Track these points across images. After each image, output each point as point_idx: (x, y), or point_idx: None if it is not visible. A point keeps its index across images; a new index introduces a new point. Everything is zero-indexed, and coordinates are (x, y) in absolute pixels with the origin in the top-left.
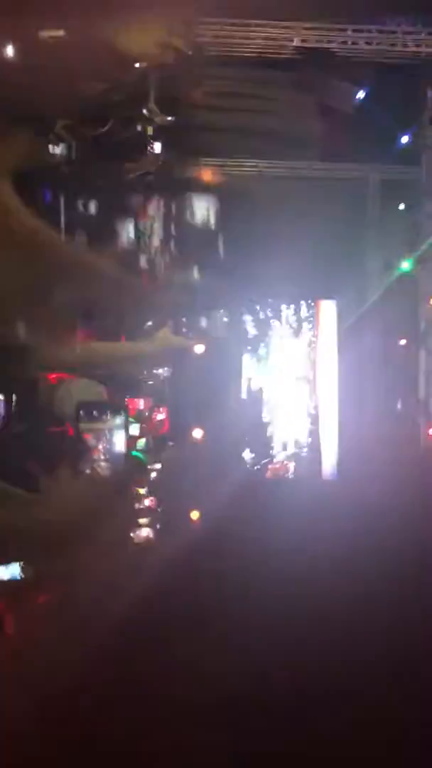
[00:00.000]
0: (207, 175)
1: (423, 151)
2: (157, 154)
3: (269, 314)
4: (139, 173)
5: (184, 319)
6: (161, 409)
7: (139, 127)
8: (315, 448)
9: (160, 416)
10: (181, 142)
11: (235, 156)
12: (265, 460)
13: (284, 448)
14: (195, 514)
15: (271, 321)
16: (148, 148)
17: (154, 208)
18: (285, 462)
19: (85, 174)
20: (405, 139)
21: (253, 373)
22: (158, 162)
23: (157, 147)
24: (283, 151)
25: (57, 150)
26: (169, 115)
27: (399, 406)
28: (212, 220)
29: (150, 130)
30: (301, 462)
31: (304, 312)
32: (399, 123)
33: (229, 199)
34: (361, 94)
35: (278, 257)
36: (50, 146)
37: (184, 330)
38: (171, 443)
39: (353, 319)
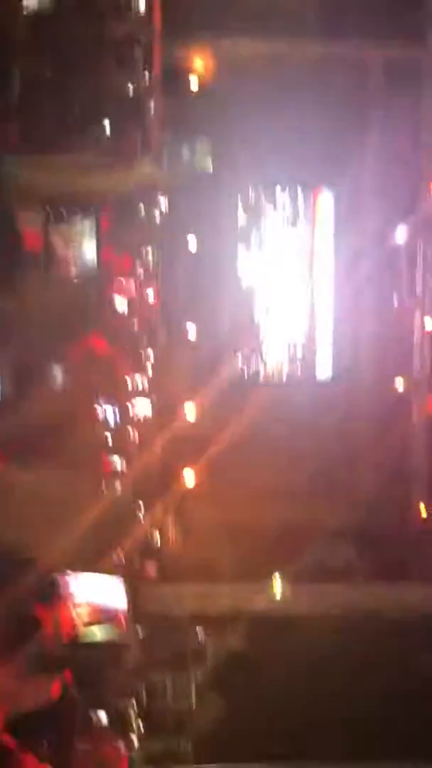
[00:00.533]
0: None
1: (429, 25)
2: (143, 16)
3: (264, 201)
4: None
5: (164, 150)
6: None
7: None
8: (310, 348)
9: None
10: (171, 17)
11: (229, 34)
12: (259, 365)
13: (278, 350)
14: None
15: (267, 209)
16: (132, 4)
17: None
18: (279, 366)
19: (60, 29)
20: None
21: (247, 267)
22: (143, 22)
23: (141, 5)
24: (280, 28)
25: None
26: None
27: (395, 302)
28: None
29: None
30: (296, 364)
31: (300, 200)
32: None
33: (223, 80)
34: None
35: (274, 141)
36: None
37: (165, 161)
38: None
39: (351, 210)
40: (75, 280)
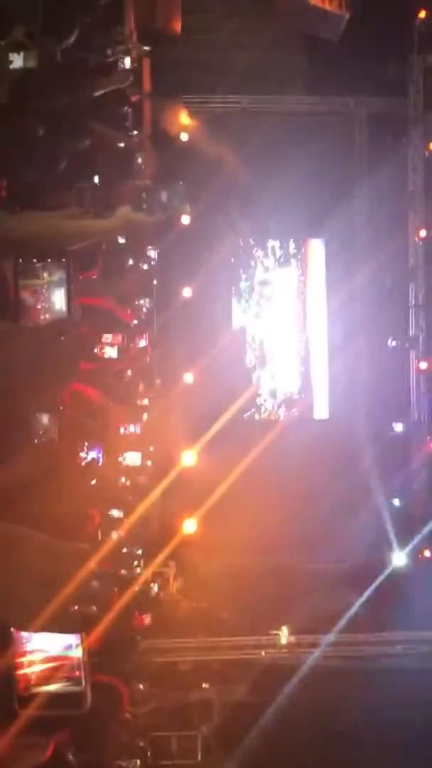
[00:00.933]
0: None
1: (410, 81)
2: (128, 70)
3: (257, 254)
4: (108, 89)
5: (143, 195)
6: (143, 336)
7: (110, 53)
8: (306, 389)
9: (143, 343)
10: (161, 77)
11: (217, 92)
12: (255, 407)
13: (274, 394)
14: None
15: (260, 261)
16: (119, 63)
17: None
18: (275, 407)
19: (48, 88)
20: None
21: (242, 315)
22: (128, 78)
23: (127, 62)
24: (267, 86)
25: (17, 59)
26: (147, 46)
27: (391, 342)
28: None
29: (127, 61)
30: (293, 404)
31: (292, 251)
32: (386, 53)
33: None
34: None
35: (264, 194)
36: (9, 54)
37: (144, 206)
38: (158, 381)
39: (342, 257)
40: (46, 330)
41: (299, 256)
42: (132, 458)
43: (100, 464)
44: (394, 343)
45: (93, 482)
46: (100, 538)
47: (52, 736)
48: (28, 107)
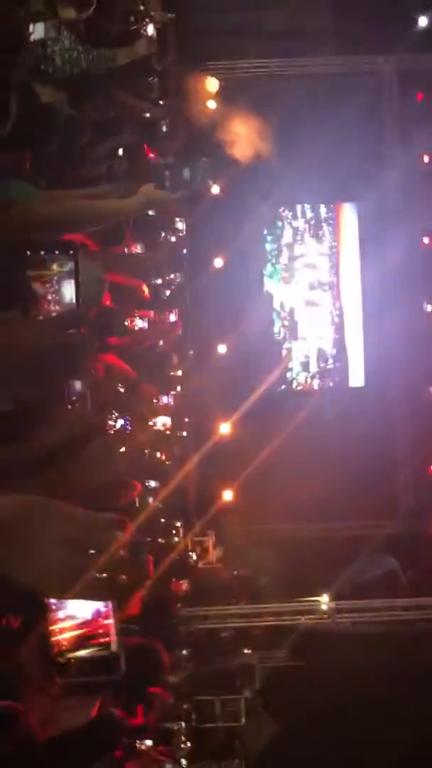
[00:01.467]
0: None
1: None
2: (151, 38)
3: (289, 221)
4: (131, 59)
5: (166, 172)
6: (171, 312)
7: (133, 21)
8: (341, 357)
9: (172, 317)
10: (186, 45)
11: (244, 57)
12: (287, 379)
13: (306, 366)
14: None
15: (288, 222)
16: (141, 31)
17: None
18: (309, 379)
19: (70, 59)
20: (423, 21)
21: (272, 284)
22: (152, 47)
23: (150, 29)
24: (293, 48)
25: (38, 30)
26: (170, 12)
27: (427, 306)
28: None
29: (149, 29)
30: (327, 373)
31: (323, 216)
32: (413, 6)
33: (238, 101)
34: None
35: (294, 160)
36: (30, 25)
37: (167, 184)
38: (191, 352)
39: (375, 221)
40: (54, 322)
41: (331, 221)
42: (163, 421)
43: (128, 431)
44: (430, 308)
45: (122, 449)
46: (138, 506)
47: (97, 696)
48: (49, 78)
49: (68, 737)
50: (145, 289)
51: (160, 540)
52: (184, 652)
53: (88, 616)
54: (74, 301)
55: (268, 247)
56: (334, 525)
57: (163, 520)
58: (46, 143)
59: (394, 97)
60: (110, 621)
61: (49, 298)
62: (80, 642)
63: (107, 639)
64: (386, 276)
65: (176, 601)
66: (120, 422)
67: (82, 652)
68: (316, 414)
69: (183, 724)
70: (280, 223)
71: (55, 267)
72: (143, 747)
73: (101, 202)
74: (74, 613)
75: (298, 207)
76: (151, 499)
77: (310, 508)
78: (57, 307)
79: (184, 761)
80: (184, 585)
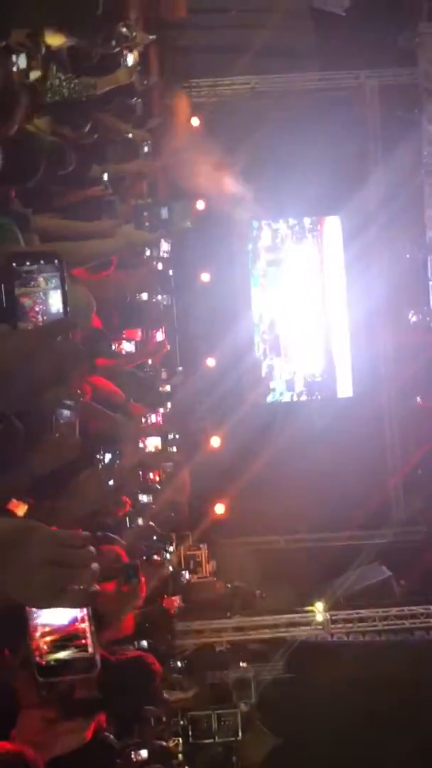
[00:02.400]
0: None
1: (419, 49)
2: (133, 66)
3: (274, 233)
4: (111, 88)
5: (145, 213)
6: (158, 331)
7: (115, 44)
8: (329, 369)
9: (159, 336)
10: (168, 63)
11: (226, 74)
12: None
13: (292, 382)
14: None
15: (276, 241)
16: (122, 60)
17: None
18: (296, 394)
19: (53, 88)
20: (402, 38)
21: (260, 297)
22: (134, 74)
23: (130, 59)
24: (275, 65)
25: (21, 60)
26: (151, 34)
27: (411, 316)
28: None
29: (132, 56)
30: (315, 386)
31: (308, 229)
32: (394, 23)
33: (221, 118)
34: None
35: (278, 174)
36: (12, 56)
37: (146, 224)
38: (180, 368)
39: (359, 233)
40: (41, 331)
41: (315, 234)
42: (153, 442)
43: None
44: (414, 318)
45: (111, 482)
46: (128, 525)
47: (91, 718)
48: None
49: (64, 761)
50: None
51: (155, 557)
52: (179, 664)
53: (65, 621)
54: (61, 311)
55: (248, 248)
56: (326, 535)
57: (155, 537)
58: (32, 171)
59: (377, 110)
60: (86, 625)
61: (37, 309)
62: (59, 645)
63: (84, 641)
64: (372, 287)
65: (170, 617)
66: (108, 456)
67: (60, 654)
68: (305, 425)
69: (180, 740)
70: (256, 224)
71: (41, 280)
72: (138, 758)
73: (84, 244)
74: (51, 620)
75: (281, 221)
76: (141, 520)
77: (301, 519)
78: (45, 318)
79: None
80: (176, 602)
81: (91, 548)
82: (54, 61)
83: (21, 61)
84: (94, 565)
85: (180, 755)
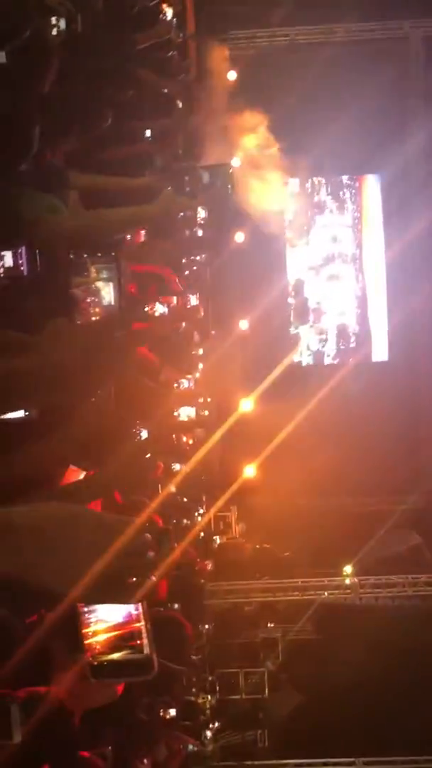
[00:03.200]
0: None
1: None
2: (170, 21)
3: (311, 191)
4: (150, 43)
5: (186, 177)
6: (194, 293)
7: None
8: (364, 332)
9: (194, 300)
10: (205, 15)
11: (265, 26)
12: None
13: (327, 341)
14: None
15: (313, 200)
16: (159, 14)
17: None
18: (331, 354)
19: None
20: None
21: (295, 258)
22: (170, 29)
23: (169, 12)
24: (316, 16)
25: (61, 22)
26: None
27: None
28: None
29: (171, 8)
30: (350, 349)
31: (346, 188)
32: None
33: (260, 72)
34: None
35: (316, 131)
36: (52, 19)
37: (187, 189)
38: (213, 332)
39: (398, 192)
40: (100, 326)
41: (353, 192)
42: (186, 412)
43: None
44: None
45: (147, 456)
46: (160, 490)
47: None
48: (75, 68)
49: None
50: (175, 276)
51: (185, 521)
52: (207, 627)
53: (120, 619)
54: (114, 303)
55: (290, 217)
56: (356, 499)
57: (186, 499)
58: (70, 130)
59: (421, 64)
60: (141, 624)
61: (89, 301)
62: (113, 645)
63: (139, 642)
64: (410, 248)
65: (203, 579)
66: (144, 432)
67: (114, 655)
68: (339, 388)
69: (209, 697)
70: (293, 182)
71: (94, 271)
72: (168, 716)
73: (125, 211)
74: (106, 617)
75: (319, 179)
76: (172, 484)
77: (332, 483)
78: (97, 310)
79: (209, 732)
80: (208, 565)
81: (148, 536)
82: (93, 17)
83: (61, 24)
84: (151, 554)
85: (207, 711)
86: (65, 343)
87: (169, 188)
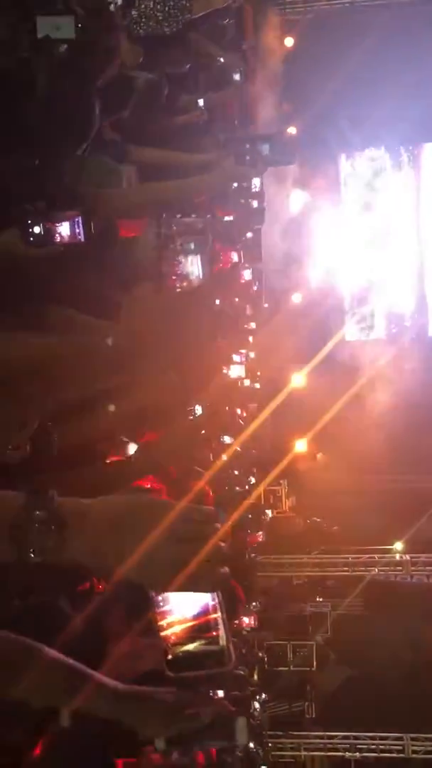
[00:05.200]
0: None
1: None
2: None
3: (368, 161)
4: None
5: (247, 146)
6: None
7: None
8: (420, 307)
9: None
10: None
11: None
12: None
13: (381, 315)
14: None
15: (371, 170)
16: None
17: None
18: (386, 329)
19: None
20: None
21: (353, 228)
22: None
23: None
24: None
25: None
26: None
27: None
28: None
29: None
30: (405, 324)
31: (404, 156)
32: None
33: (316, 43)
34: None
35: (375, 98)
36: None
37: (247, 158)
38: (266, 305)
39: None
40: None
41: (413, 162)
42: (237, 371)
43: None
44: None
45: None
46: (212, 461)
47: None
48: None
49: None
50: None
51: (236, 489)
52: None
53: (196, 610)
54: (201, 276)
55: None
56: (408, 476)
57: (237, 472)
58: (125, 104)
59: None
60: (218, 615)
61: (177, 272)
62: (188, 636)
63: (215, 633)
64: None
65: (253, 551)
66: (198, 408)
67: (190, 647)
68: (392, 364)
69: (256, 667)
70: (350, 152)
71: (179, 243)
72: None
73: (184, 182)
74: (180, 608)
75: (376, 149)
76: (224, 456)
77: (384, 459)
78: (184, 283)
79: (257, 704)
80: (260, 537)
81: (219, 525)
82: None
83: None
84: (224, 545)
85: (255, 682)
86: (150, 311)
87: (230, 158)
